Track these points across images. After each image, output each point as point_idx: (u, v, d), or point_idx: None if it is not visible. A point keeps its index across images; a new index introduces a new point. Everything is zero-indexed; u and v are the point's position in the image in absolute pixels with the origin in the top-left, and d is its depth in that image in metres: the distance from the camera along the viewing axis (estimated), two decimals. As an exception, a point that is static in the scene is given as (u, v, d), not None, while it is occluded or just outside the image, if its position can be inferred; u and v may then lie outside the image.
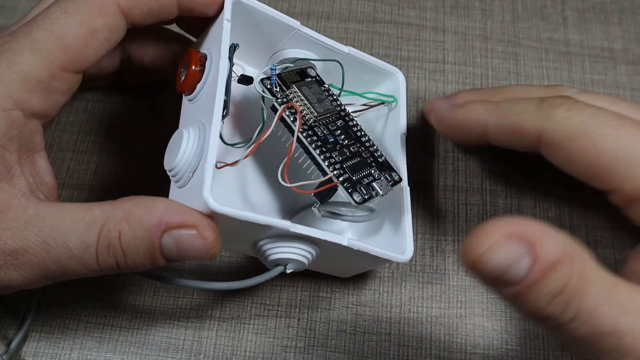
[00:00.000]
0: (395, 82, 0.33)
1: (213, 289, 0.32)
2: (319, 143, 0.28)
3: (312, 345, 0.31)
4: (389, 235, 0.30)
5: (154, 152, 0.36)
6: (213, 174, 0.23)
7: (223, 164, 0.26)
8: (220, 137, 0.25)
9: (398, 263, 0.33)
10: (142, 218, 0.23)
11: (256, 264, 0.33)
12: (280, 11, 0.28)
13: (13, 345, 0.30)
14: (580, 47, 0.40)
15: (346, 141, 0.29)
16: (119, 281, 0.33)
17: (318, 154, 0.27)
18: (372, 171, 0.28)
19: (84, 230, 0.23)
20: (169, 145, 0.26)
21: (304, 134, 0.27)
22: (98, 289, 0.32)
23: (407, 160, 0.31)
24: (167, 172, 0.26)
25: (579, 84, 0.39)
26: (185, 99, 0.28)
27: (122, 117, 0.37)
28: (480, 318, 0.32)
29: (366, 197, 0.27)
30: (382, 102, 0.33)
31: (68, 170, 0.36)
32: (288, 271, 0.27)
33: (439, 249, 0.34)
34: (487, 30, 0.41)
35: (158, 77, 0.36)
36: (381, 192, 0.28)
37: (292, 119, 0.27)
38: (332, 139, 0.28)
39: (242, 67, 0.32)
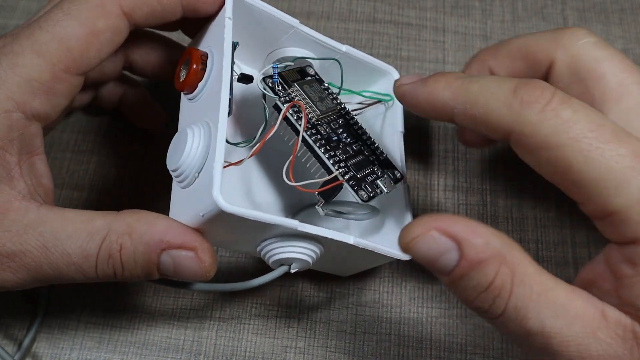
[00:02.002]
0: (391, 81, 0.33)
1: (216, 290, 0.31)
2: (323, 141, 0.27)
3: (312, 345, 0.31)
4: (390, 233, 0.30)
5: (154, 152, 0.36)
6: (222, 173, 0.23)
7: (227, 164, 0.26)
8: None
9: (398, 263, 0.33)
10: (143, 234, 0.24)
11: (255, 264, 0.33)
12: (280, 10, 0.28)
13: (25, 344, 0.30)
14: (581, 47, 0.40)
15: (349, 139, 0.29)
16: (119, 281, 0.33)
17: (323, 153, 0.27)
18: (375, 169, 0.28)
19: (85, 239, 0.24)
20: (171, 145, 0.26)
21: (308, 133, 0.27)
22: (98, 289, 0.32)
23: (405, 158, 0.31)
24: (171, 173, 0.26)
25: (579, 84, 0.39)
26: (184, 97, 0.28)
27: (122, 117, 0.37)
28: (481, 318, 0.32)
29: (371, 194, 0.27)
30: (378, 100, 0.33)
31: (68, 170, 0.36)
32: (292, 271, 0.27)
33: (439, 249, 0.33)
34: (487, 30, 0.41)
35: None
36: (386, 190, 0.28)
37: (295, 118, 0.27)
38: (336, 137, 0.28)
39: (238, 65, 0.32)
